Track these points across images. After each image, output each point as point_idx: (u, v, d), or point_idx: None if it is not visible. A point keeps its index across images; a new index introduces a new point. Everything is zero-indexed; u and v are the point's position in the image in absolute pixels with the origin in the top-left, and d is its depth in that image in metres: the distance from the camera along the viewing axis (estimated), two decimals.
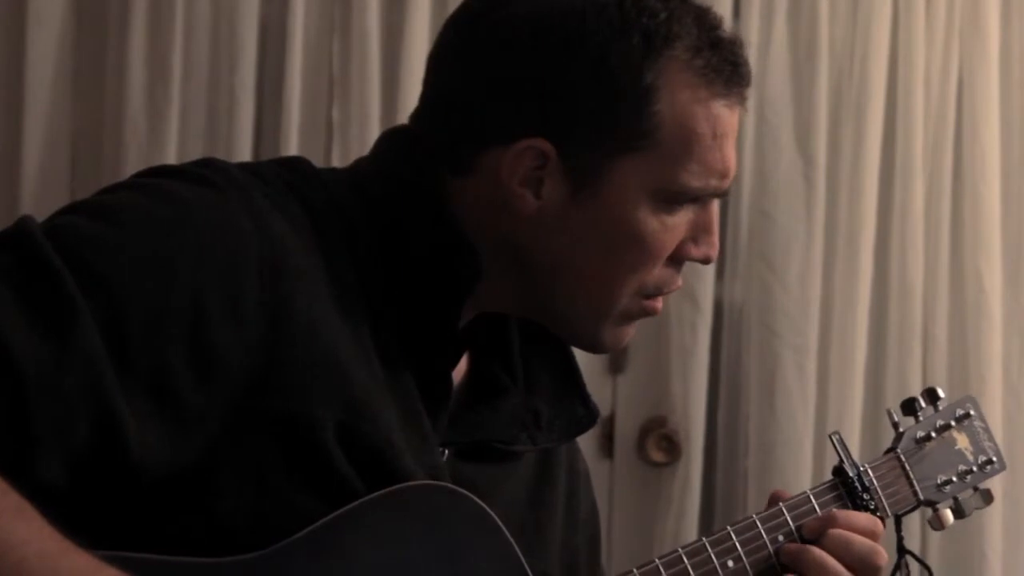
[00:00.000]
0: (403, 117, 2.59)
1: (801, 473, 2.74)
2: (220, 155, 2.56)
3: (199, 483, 1.20)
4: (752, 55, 2.76)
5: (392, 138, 1.44)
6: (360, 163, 1.43)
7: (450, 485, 1.32)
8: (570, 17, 1.34)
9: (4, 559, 1.04)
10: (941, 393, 1.71)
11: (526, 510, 1.48)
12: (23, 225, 1.19)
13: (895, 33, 2.82)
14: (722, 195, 1.41)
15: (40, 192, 2.56)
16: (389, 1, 2.68)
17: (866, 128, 2.79)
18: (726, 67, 1.37)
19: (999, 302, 2.84)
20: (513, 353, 1.46)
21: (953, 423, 1.71)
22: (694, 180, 1.37)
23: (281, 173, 1.33)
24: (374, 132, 2.63)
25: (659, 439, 2.77)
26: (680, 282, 1.43)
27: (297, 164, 1.37)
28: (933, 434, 1.68)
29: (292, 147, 2.60)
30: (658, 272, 1.40)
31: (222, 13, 2.63)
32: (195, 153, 2.59)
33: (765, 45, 2.79)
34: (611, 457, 2.79)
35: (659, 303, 1.42)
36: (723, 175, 1.39)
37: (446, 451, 1.38)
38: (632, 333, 1.44)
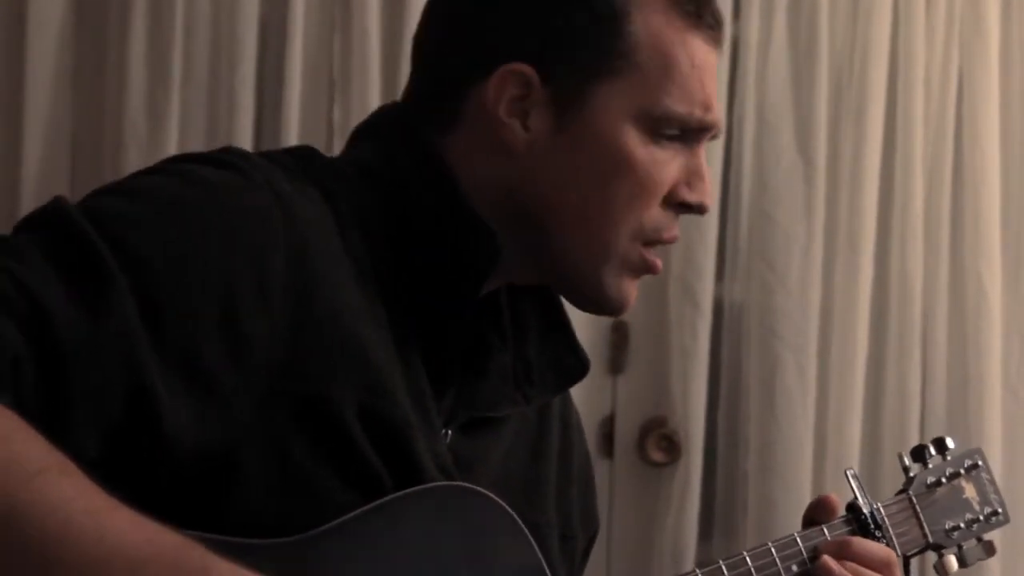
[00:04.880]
0: None
1: (801, 473, 2.74)
2: None
3: (225, 463, 1.21)
4: (752, 55, 2.77)
5: (384, 115, 1.45)
6: (357, 146, 1.43)
7: (479, 488, 1.33)
8: None
9: (51, 516, 1.05)
10: (950, 443, 1.72)
11: (527, 463, 1.49)
12: (59, 204, 1.21)
13: (895, 33, 2.82)
14: (709, 129, 1.40)
15: (40, 192, 2.55)
16: (389, 1, 2.67)
17: (866, 128, 2.79)
18: None
19: (999, 303, 2.84)
20: (501, 306, 1.45)
21: (963, 472, 1.73)
22: (676, 105, 1.37)
23: (294, 160, 1.35)
24: None
25: (659, 439, 2.77)
26: (677, 232, 1.42)
27: (308, 152, 1.39)
28: (944, 480, 1.70)
29: None
30: (654, 213, 1.39)
31: (222, 13, 2.63)
32: None
33: (765, 45, 2.79)
34: (611, 457, 2.79)
35: (659, 260, 1.41)
36: (706, 106, 1.39)
37: (449, 432, 1.39)
38: (635, 292, 1.42)
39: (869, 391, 2.81)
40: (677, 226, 1.42)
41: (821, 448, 2.77)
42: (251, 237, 1.23)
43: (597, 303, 1.42)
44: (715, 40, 1.41)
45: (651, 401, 2.79)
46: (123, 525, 1.07)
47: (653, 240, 1.40)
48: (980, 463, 1.75)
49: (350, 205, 1.33)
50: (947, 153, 2.84)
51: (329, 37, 2.68)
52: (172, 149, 2.58)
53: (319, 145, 2.61)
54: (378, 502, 1.26)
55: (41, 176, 2.58)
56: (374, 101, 2.64)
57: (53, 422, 1.11)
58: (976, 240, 2.83)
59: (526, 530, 1.35)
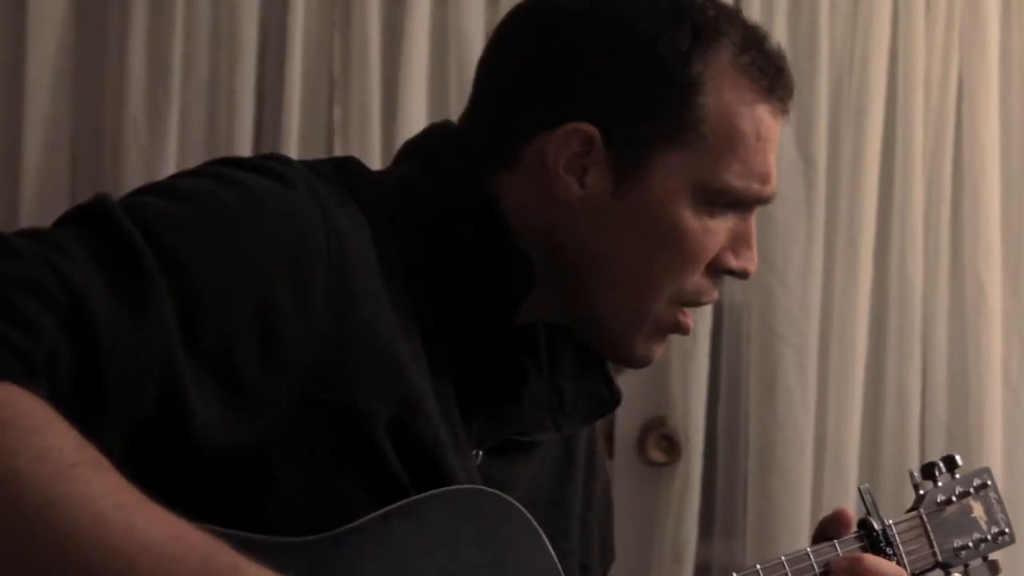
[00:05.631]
0: (403, 117, 2.63)
1: (801, 473, 2.74)
2: (220, 155, 2.58)
3: (253, 467, 1.21)
4: None
5: (438, 137, 1.44)
6: (406, 163, 1.42)
7: (500, 493, 1.33)
8: (621, 3, 1.37)
9: (83, 510, 1.05)
10: (959, 461, 1.73)
11: (554, 488, 1.50)
12: (102, 200, 1.21)
13: (895, 33, 2.82)
14: (764, 202, 1.40)
15: (40, 192, 2.55)
16: (389, 1, 2.68)
17: (866, 128, 2.79)
18: (770, 69, 1.39)
19: (999, 302, 2.84)
20: (538, 335, 1.44)
21: (972, 491, 1.73)
22: (736, 180, 1.37)
23: (336, 172, 1.35)
24: (374, 132, 2.63)
25: (659, 439, 2.77)
26: (716, 294, 1.42)
27: (349, 164, 1.39)
28: (954, 499, 1.71)
29: (292, 147, 2.60)
30: (696, 279, 1.39)
31: (222, 13, 2.63)
32: (195, 153, 2.60)
33: None
34: (611, 457, 2.78)
35: (691, 319, 1.42)
36: (764, 179, 1.39)
37: (480, 453, 1.39)
38: (662, 349, 1.43)
39: (869, 391, 2.81)
40: (717, 289, 1.42)
41: (821, 448, 2.77)
42: (291, 244, 1.23)
43: (621, 358, 1.43)
44: (784, 110, 1.41)
45: (651, 401, 2.79)
46: (154, 521, 1.08)
47: (691, 304, 1.41)
48: (989, 483, 1.76)
49: (390, 223, 1.32)
50: (947, 153, 2.84)
51: (329, 37, 2.68)
52: (172, 149, 2.58)
53: (319, 145, 2.64)
54: (400, 503, 1.26)
55: (41, 176, 2.58)
56: (374, 101, 2.64)
57: (85, 416, 1.11)
58: (976, 240, 2.83)
59: (543, 534, 1.35)
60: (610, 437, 2.79)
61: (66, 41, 2.61)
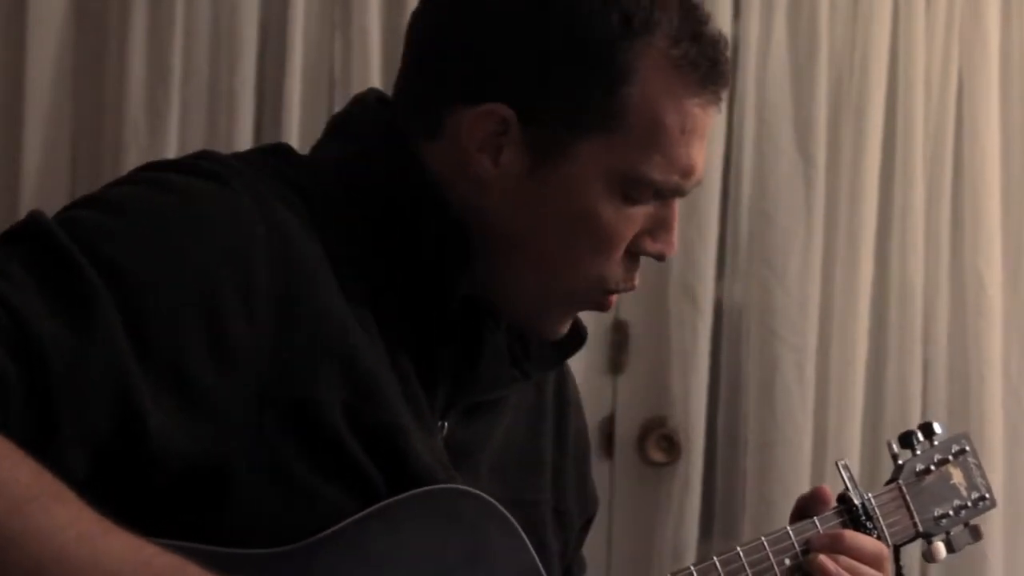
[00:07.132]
0: None
1: (800, 473, 2.75)
2: None
3: (217, 473, 1.20)
4: (752, 55, 2.77)
5: (366, 110, 1.42)
6: (336, 141, 1.41)
7: (473, 490, 1.33)
8: None
9: (45, 544, 1.04)
10: (938, 428, 1.73)
11: (526, 439, 1.49)
12: (36, 218, 1.20)
13: (895, 33, 2.82)
14: (683, 194, 1.38)
15: (40, 192, 2.56)
16: (389, 1, 2.68)
17: (866, 128, 2.79)
18: (704, 62, 1.35)
19: (999, 302, 2.84)
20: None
21: (950, 458, 1.73)
22: (656, 172, 1.34)
23: (270, 161, 1.34)
24: None
25: (659, 439, 2.77)
26: (636, 281, 1.40)
27: (283, 151, 1.38)
28: (932, 467, 1.70)
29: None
30: (614, 266, 1.37)
31: (222, 13, 2.63)
32: None
33: (765, 45, 2.79)
34: (611, 457, 2.79)
35: (613, 300, 1.40)
36: (686, 173, 1.36)
37: (445, 425, 1.38)
38: (571, 322, 1.42)
39: (869, 391, 2.81)
40: (637, 274, 1.40)
41: (821, 448, 2.77)
42: (233, 244, 1.22)
43: (530, 331, 1.42)
44: (715, 101, 1.37)
45: (651, 401, 2.79)
46: (119, 550, 1.07)
47: (611, 291, 1.39)
48: (967, 448, 1.75)
49: (328, 206, 1.32)
50: (947, 153, 2.84)
51: (329, 37, 2.68)
52: (172, 149, 2.58)
53: None
54: (374, 508, 1.26)
55: (41, 176, 2.58)
56: None
57: (41, 441, 1.10)
58: (976, 239, 2.83)
59: (521, 530, 1.35)
60: (610, 437, 2.79)
61: (66, 41, 2.61)
